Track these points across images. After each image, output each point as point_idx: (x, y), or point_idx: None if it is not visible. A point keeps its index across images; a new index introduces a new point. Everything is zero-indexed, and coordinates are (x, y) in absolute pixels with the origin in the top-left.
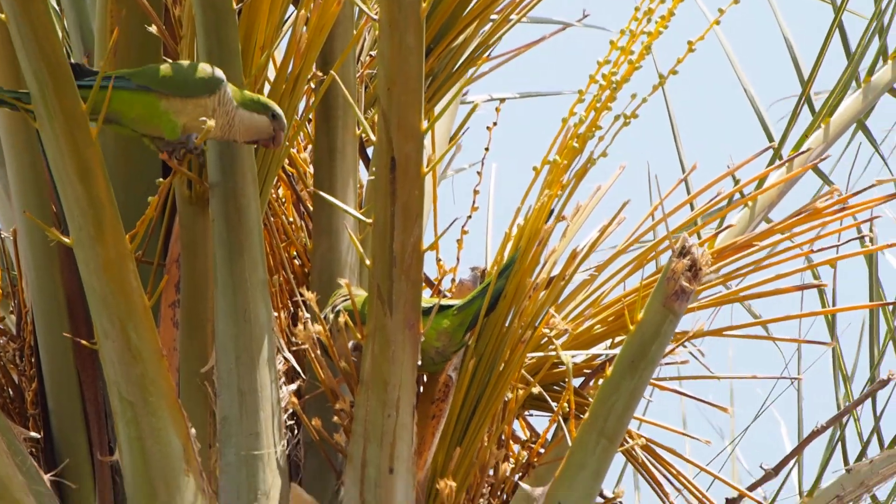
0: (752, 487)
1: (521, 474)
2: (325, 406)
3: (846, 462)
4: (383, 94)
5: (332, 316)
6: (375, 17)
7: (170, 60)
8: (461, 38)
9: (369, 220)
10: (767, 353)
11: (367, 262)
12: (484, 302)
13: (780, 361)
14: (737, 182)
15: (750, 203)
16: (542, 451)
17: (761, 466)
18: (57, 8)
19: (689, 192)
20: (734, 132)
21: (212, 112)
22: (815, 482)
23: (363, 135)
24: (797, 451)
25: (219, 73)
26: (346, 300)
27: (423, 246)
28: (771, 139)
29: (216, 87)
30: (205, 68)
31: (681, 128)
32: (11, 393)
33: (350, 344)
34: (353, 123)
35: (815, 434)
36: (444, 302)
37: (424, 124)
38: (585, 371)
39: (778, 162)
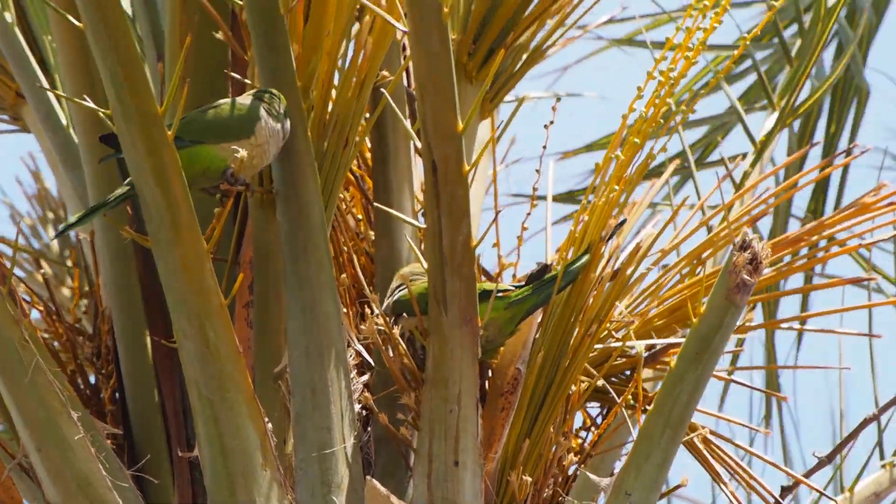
0: (807, 475)
1: (579, 463)
2: (395, 401)
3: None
4: (419, 100)
5: (391, 304)
6: (405, 29)
7: (220, 102)
8: (520, 39)
9: (423, 225)
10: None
11: (424, 263)
12: (539, 299)
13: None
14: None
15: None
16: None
17: (814, 454)
18: (131, 15)
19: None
20: None
21: (254, 148)
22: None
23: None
24: (848, 440)
25: (255, 106)
26: (402, 289)
27: (473, 243)
28: None
29: (254, 125)
30: (242, 107)
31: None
32: (88, 392)
33: (405, 335)
34: (403, 129)
35: (864, 424)
36: (502, 288)
37: (460, 125)
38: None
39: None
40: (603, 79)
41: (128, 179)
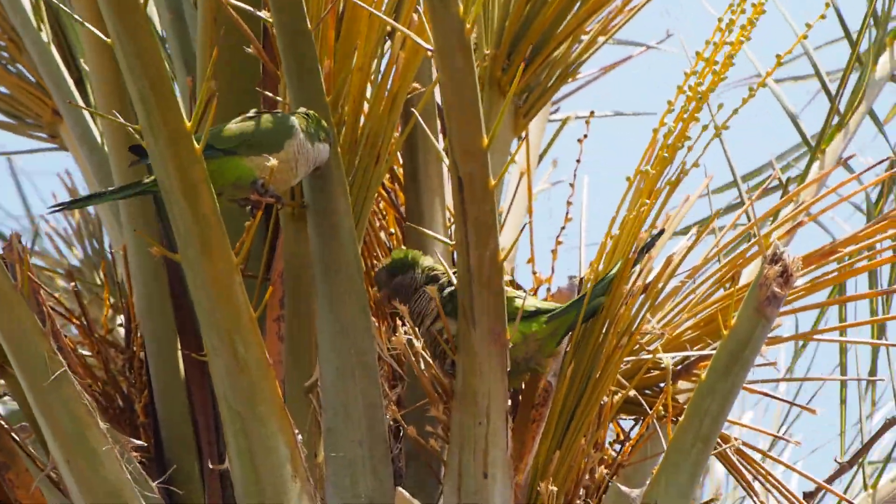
0: (828, 480)
1: (610, 475)
2: (425, 415)
3: None
4: (446, 118)
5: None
6: (431, 47)
7: (250, 114)
8: (554, 54)
9: (451, 242)
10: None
11: (454, 280)
12: (579, 313)
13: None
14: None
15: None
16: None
17: (835, 459)
18: (161, 33)
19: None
20: None
21: (281, 163)
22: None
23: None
24: (868, 446)
25: (290, 122)
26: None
27: (501, 257)
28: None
29: (283, 141)
30: (273, 121)
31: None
32: (121, 403)
33: (434, 347)
34: (433, 147)
35: (885, 428)
36: (540, 305)
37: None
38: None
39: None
40: (641, 88)
41: (150, 178)
